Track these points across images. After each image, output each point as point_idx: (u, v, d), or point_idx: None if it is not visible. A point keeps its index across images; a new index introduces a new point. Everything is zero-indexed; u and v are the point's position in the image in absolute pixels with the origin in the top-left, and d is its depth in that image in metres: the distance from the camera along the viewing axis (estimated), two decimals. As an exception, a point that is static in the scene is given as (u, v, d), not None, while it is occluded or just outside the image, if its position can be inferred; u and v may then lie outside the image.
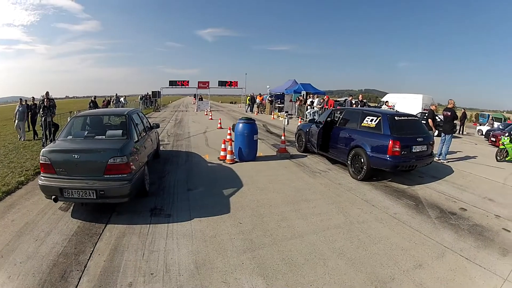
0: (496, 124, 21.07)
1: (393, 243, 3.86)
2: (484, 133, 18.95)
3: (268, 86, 27.96)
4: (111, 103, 21.84)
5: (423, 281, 3.11)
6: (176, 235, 3.77)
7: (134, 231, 3.86)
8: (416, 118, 7.25)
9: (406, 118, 6.84)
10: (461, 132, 20.11)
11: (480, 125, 24.55)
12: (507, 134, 10.62)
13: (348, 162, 6.79)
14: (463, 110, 22.21)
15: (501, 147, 10.06)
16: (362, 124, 6.79)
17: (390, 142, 5.97)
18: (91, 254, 3.38)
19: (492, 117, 30.07)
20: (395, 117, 6.53)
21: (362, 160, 6.44)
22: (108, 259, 3.27)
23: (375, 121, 6.52)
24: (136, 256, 3.29)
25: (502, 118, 32.59)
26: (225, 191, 5.40)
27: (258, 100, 27.28)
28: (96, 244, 3.59)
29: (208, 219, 4.25)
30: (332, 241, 3.78)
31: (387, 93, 23.17)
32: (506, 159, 9.87)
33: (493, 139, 14.16)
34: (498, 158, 9.90)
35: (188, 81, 29.70)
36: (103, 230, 3.95)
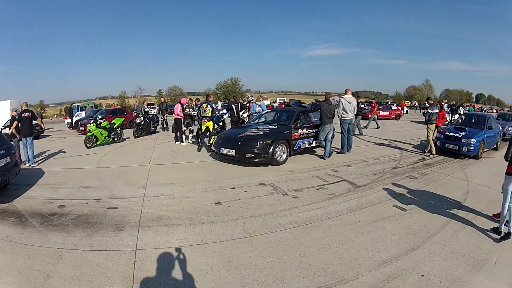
0: (84, 114, 21.66)
1: (22, 267, 3.38)
2: (73, 125, 19.04)
3: None
4: None
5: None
6: None
7: None
8: None
9: None
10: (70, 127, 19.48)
11: (69, 118, 24.81)
12: (92, 121, 11.19)
13: None
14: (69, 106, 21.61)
15: (89, 134, 10.50)
16: None
17: None
18: None
19: (83, 106, 30.32)
20: None
21: None
22: None
23: None
24: None
25: (93, 106, 35.21)
26: None
27: None
28: None
29: None
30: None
31: None
32: (97, 143, 10.48)
33: (82, 128, 14.69)
34: (88, 145, 10.29)
35: None
36: None
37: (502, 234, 4.17)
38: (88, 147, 10.26)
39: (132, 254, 3.47)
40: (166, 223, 4.24)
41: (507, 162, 4.24)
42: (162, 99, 17.80)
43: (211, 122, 9.55)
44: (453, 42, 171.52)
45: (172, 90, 59.29)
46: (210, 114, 9.54)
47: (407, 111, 36.27)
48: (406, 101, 48.52)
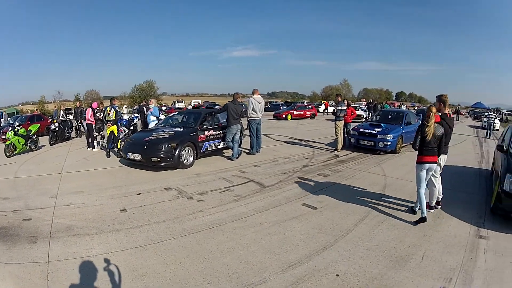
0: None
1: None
2: None
3: None
4: None
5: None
6: None
7: None
8: None
9: None
10: None
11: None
12: (10, 129, 10.79)
13: None
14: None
15: (8, 142, 10.18)
16: None
17: None
18: None
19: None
20: None
21: None
22: None
23: None
24: None
25: (15, 112, 32.35)
26: None
27: None
28: None
29: None
30: None
31: None
32: (15, 152, 10.20)
33: (4, 136, 13.44)
34: (7, 154, 10.00)
35: None
36: None
37: (417, 219, 4.21)
38: (7, 156, 10.03)
39: (45, 266, 3.47)
40: (74, 233, 4.27)
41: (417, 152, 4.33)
42: (78, 103, 17.39)
43: (115, 126, 9.45)
44: (372, 43, 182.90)
45: (89, 94, 58.19)
46: (114, 118, 9.53)
47: (333, 110, 38.27)
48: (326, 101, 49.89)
